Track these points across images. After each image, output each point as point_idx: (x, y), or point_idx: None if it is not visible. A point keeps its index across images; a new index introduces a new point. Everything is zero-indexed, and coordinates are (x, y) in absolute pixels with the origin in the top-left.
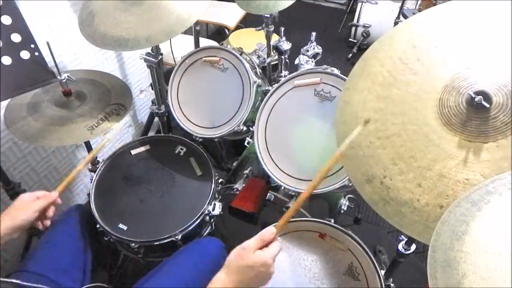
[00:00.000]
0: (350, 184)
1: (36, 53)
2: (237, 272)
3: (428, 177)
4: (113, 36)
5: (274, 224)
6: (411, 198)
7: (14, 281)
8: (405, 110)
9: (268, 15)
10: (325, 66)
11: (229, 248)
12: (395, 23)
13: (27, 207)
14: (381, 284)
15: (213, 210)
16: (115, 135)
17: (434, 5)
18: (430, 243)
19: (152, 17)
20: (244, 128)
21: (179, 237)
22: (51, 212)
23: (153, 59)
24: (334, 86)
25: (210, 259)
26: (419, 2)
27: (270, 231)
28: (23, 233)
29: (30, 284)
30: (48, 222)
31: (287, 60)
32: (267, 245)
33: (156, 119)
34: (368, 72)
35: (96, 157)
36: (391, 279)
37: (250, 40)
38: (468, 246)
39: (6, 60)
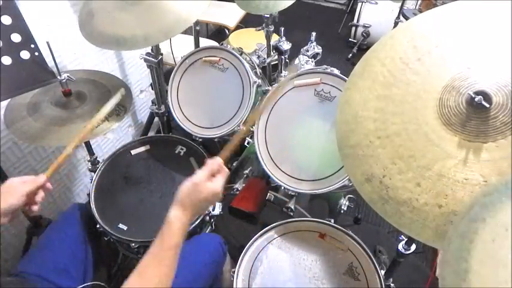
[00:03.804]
0: (350, 184)
1: (36, 53)
2: (191, 206)
3: (428, 177)
4: (111, 35)
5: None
6: (410, 197)
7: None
8: (405, 109)
9: (268, 15)
10: (325, 66)
11: (229, 248)
12: (396, 23)
13: (14, 191)
14: (381, 284)
15: (213, 210)
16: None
17: (435, 5)
18: None
19: (151, 17)
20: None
21: None
22: (39, 197)
23: (153, 59)
24: (334, 86)
25: (209, 256)
26: (419, 2)
27: (216, 162)
28: (13, 219)
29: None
30: (35, 207)
31: (287, 60)
32: (214, 175)
33: (156, 119)
34: (369, 72)
35: (96, 157)
36: (391, 279)
37: (250, 40)
38: (476, 285)
39: (6, 60)
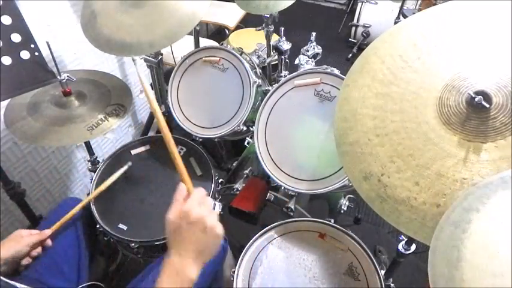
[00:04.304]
0: (350, 184)
1: (36, 53)
2: (177, 245)
3: (426, 176)
4: (116, 41)
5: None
6: (408, 196)
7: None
8: (404, 107)
9: (268, 15)
10: (325, 66)
11: (229, 248)
12: (395, 23)
13: (22, 241)
14: (381, 284)
15: (213, 210)
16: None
17: (434, 5)
18: (429, 278)
19: (154, 20)
20: (244, 128)
21: None
22: (35, 252)
23: (153, 59)
24: (334, 86)
25: (212, 258)
26: (419, 2)
27: (181, 189)
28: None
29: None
30: (27, 261)
31: (287, 60)
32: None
33: None
34: (368, 70)
35: (96, 157)
36: (391, 279)
37: (250, 40)
38: (468, 274)
39: (6, 60)
